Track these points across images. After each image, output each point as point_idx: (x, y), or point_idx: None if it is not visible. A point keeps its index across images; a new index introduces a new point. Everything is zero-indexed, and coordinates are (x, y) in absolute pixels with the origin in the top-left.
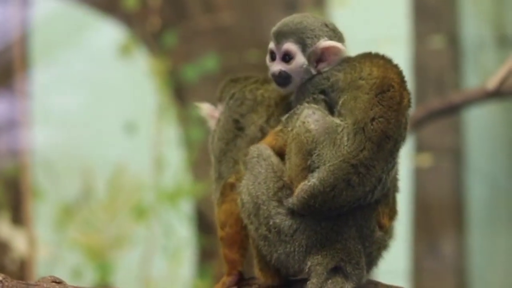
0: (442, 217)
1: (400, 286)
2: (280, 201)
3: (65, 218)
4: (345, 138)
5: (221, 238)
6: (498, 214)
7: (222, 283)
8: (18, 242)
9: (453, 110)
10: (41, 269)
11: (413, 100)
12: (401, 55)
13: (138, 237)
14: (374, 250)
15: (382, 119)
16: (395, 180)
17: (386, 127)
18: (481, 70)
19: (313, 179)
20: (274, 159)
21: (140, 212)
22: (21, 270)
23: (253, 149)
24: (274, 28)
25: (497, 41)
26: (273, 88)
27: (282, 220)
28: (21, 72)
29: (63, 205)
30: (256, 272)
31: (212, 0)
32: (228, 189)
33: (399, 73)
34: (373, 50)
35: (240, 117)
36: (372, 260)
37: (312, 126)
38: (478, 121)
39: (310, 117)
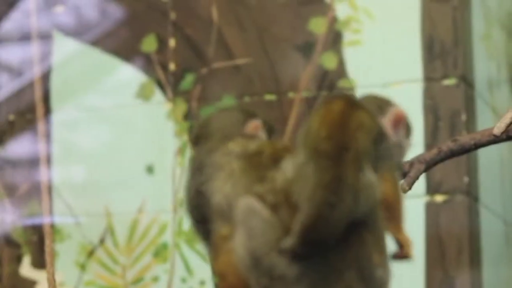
0: (456, 255)
1: None
2: (279, 251)
3: (87, 259)
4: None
5: None
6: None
7: None
8: (41, 284)
9: (464, 152)
10: None
11: (426, 139)
12: (414, 95)
13: (159, 277)
14: None
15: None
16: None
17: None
18: (494, 110)
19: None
20: (265, 213)
21: (161, 252)
22: None
23: (242, 203)
24: None
25: (508, 81)
26: (233, 149)
27: (284, 268)
28: (43, 110)
29: (83, 246)
30: None
31: (229, 44)
32: (221, 241)
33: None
34: (385, 91)
35: (202, 185)
36: None
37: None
38: (488, 158)
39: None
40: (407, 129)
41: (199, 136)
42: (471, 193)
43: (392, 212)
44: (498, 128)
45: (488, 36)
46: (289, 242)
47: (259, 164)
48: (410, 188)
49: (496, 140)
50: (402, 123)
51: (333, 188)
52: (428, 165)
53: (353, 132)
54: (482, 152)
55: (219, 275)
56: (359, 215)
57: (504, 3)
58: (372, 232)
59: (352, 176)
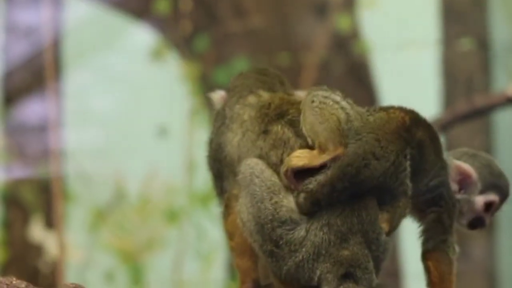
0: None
1: None
2: (282, 217)
3: (97, 222)
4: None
5: (232, 249)
6: None
7: None
8: (50, 245)
9: (478, 114)
10: (73, 273)
11: (441, 103)
12: (429, 58)
13: (170, 240)
14: (380, 254)
15: None
16: (405, 186)
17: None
18: (511, 73)
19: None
20: (267, 174)
21: (172, 215)
22: (54, 273)
23: (245, 167)
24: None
25: None
26: (250, 102)
27: (288, 231)
28: (54, 75)
29: (95, 208)
30: (273, 279)
31: (242, 4)
32: (233, 201)
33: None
34: (402, 52)
35: (220, 137)
36: (379, 264)
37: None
38: (508, 123)
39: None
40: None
41: (229, 90)
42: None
43: None
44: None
45: None
46: (300, 197)
47: (266, 116)
48: None
49: (507, 103)
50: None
51: (383, 145)
52: (443, 127)
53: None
54: (500, 116)
55: (228, 234)
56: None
57: None
58: (389, 206)
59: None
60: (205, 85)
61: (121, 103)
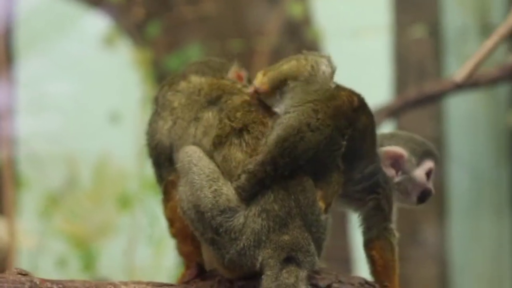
0: (423, 205)
1: (358, 276)
2: (221, 205)
3: (49, 208)
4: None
5: (173, 235)
6: (480, 201)
7: (182, 276)
8: (2, 232)
9: (428, 100)
10: (26, 259)
11: (393, 89)
12: (382, 44)
13: (122, 226)
14: (321, 234)
15: None
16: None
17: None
18: (463, 59)
19: (276, 131)
20: (205, 161)
21: (125, 201)
22: (6, 260)
23: (183, 154)
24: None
25: (479, 30)
26: (180, 88)
27: (229, 220)
28: (6, 63)
29: (47, 194)
30: (217, 265)
31: None
32: (170, 187)
33: None
34: (355, 38)
35: (154, 125)
36: (321, 244)
37: None
38: (459, 110)
39: None
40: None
41: (172, 77)
42: (439, 142)
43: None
44: (460, 76)
45: None
46: (239, 181)
47: (196, 103)
48: None
49: (461, 88)
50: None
51: (319, 117)
52: (393, 113)
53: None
54: (452, 103)
55: (168, 220)
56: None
57: None
58: (322, 183)
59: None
60: (157, 71)
61: (75, 90)
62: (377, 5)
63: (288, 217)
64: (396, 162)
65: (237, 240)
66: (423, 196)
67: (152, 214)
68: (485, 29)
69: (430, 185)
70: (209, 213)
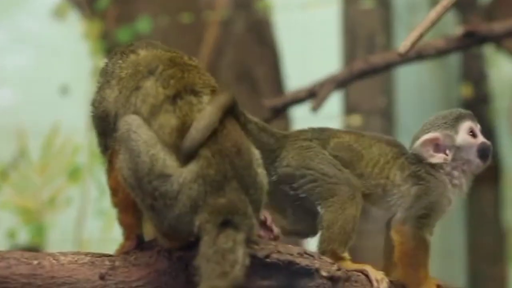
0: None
1: (298, 246)
2: (157, 171)
3: None
4: None
5: (115, 205)
6: None
7: (121, 247)
8: None
9: (374, 72)
10: None
11: (342, 61)
12: (331, 16)
13: (73, 199)
14: (259, 196)
15: None
16: None
17: None
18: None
19: None
20: (144, 129)
21: (75, 174)
22: None
23: (123, 123)
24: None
25: (429, 1)
26: (129, 60)
27: (164, 185)
28: None
29: None
30: (157, 235)
31: None
32: (114, 157)
33: None
34: (305, 10)
35: (102, 93)
36: (259, 206)
37: None
38: (410, 82)
39: None
40: None
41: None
42: (388, 114)
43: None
44: (404, 47)
45: None
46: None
47: (139, 73)
48: (317, 108)
49: (407, 60)
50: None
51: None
52: (340, 84)
53: None
54: (402, 75)
55: (111, 190)
56: None
57: None
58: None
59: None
60: (107, 44)
61: (26, 62)
62: None
63: (224, 180)
64: (436, 146)
65: (173, 206)
66: (483, 153)
67: (102, 186)
68: (434, 2)
69: (481, 139)
70: (146, 178)
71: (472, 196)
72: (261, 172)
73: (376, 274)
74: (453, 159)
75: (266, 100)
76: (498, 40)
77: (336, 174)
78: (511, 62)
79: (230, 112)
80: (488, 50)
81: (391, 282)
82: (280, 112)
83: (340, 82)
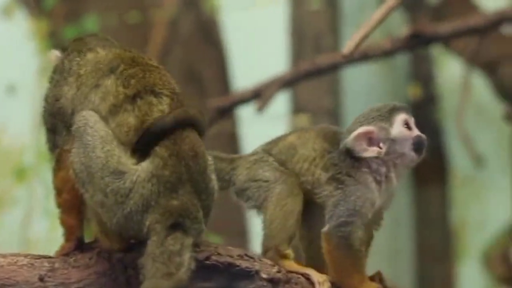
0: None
1: (239, 248)
2: (112, 167)
3: None
4: None
5: (59, 205)
6: None
7: (61, 249)
8: None
9: (320, 72)
10: None
11: (290, 61)
12: (279, 16)
13: (19, 199)
14: (210, 202)
15: None
16: None
17: None
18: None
19: None
20: (101, 125)
21: (21, 174)
22: None
23: (79, 118)
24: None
25: (377, 1)
26: (88, 58)
27: (117, 182)
28: None
29: None
30: (99, 236)
31: None
32: (63, 156)
33: None
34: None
35: (58, 89)
36: (209, 212)
37: None
38: (357, 83)
39: None
40: None
41: (68, 47)
42: (335, 115)
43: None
44: (348, 48)
45: None
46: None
47: (99, 70)
48: (263, 108)
49: (353, 61)
50: None
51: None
52: (286, 84)
53: None
54: (350, 76)
55: (57, 189)
56: None
57: None
58: None
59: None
60: (54, 42)
61: None
62: None
63: (179, 182)
64: (370, 139)
65: (124, 204)
66: (417, 146)
67: (49, 186)
68: (383, 0)
69: (416, 132)
70: (99, 173)
71: (419, 196)
72: (214, 178)
73: (318, 277)
74: (387, 153)
75: (212, 100)
76: (444, 41)
77: (276, 176)
78: (459, 62)
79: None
80: (436, 50)
81: (333, 284)
82: (226, 113)
83: (286, 83)
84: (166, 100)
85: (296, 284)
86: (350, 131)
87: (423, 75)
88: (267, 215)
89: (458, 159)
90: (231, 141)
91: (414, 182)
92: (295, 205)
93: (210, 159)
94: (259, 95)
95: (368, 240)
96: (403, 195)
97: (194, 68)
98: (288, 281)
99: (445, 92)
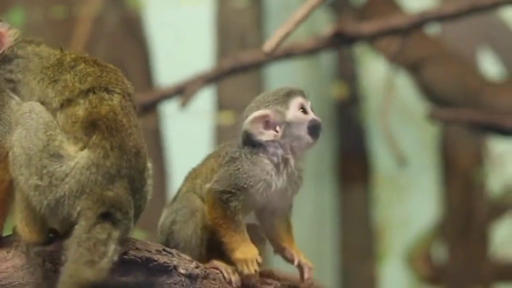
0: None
1: (157, 244)
2: (52, 149)
3: None
4: None
5: None
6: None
7: None
8: None
9: (243, 70)
10: None
11: (215, 59)
12: (204, 14)
13: None
14: (142, 204)
15: None
16: None
17: None
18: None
19: None
20: (47, 114)
21: None
22: None
23: (25, 105)
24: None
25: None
26: (45, 50)
27: (55, 165)
28: None
29: None
30: (20, 228)
31: None
32: (3, 155)
33: None
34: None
35: (14, 76)
36: (139, 213)
37: None
38: (281, 80)
39: None
40: None
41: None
42: None
43: None
44: (269, 46)
45: None
46: None
47: (61, 66)
48: (185, 104)
49: (276, 58)
50: None
51: None
52: (209, 82)
53: None
54: (274, 74)
55: None
56: None
57: None
58: None
59: None
60: None
61: None
62: None
63: (117, 175)
64: (266, 123)
65: (57, 187)
66: (313, 129)
67: None
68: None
69: (312, 116)
70: (38, 154)
71: (343, 195)
72: (150, 184)
73: (226, 268)
74: (283, 136)
75: (135, 95)
76: (367, 40)
77: (186, 203)
78: (383, 62)
79: None
80: (360, 50)
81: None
82: (150, 108)
83: (209, 79)
84: (117, 97)
85: (214, 280)
86: (246, 115)
87: (347, 74)
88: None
89: (382, 159)
90: (155, 137)
91: (337, 182)
92: (197, 225)
93: (150, 166)
94: (182, 92)
95: (287, 228)
96: (326, 194)
97: (118, 64)
98: (206, 277)
99: (369, 92)
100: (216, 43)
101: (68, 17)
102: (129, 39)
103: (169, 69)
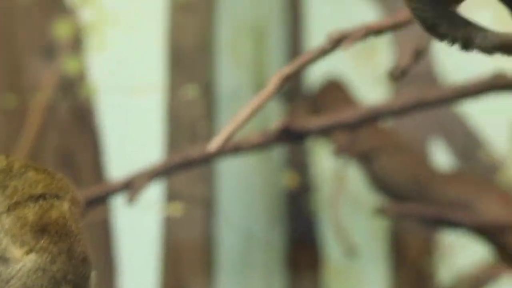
0: (192, 266)
1: None
2: None
3: None
4: None
5: None
6: (251, 262)
7: None
8: None
9: (192, 165)
10: None
11: (165, 150)
12: (154, 104)
13: None
14: None
15: None
16: None
17: None
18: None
19: None
20: None
21: None
22: None
23: None
24: None
25: (253, 88)
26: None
27: (0, 267)
28: None
29: None
30: None
31: None
32: None
33: None
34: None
35: None
36: None
37: None
38: (232, 170)
39: None
40: None
41: None
42: (210, 203)
43: None
44: (215, 144)
45: (235, 45)
46: None
47: (10, 171)
48: (133, 200)
49: (224, 153)
50: None
51: None
52: (157, 176)
53: None
54: (224, 164)
55: None
56: None
57: (252, 11)
58: None
59: None
60: None
61: None
62: (152, 64)
63: (62, 281)
64: None
65: None
66: None
67: None
68: (260, 87)
69: None
70: None
71: (293, 285)
72: None
73: None
74: None
75: (84, 190)
76: (315, 135)
77: None
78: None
79: None
80: (311, 140)
81: None
82: (98, 203)
83: (157, 174)
84: (67, 204)
85: None
86: None
87: (299, 164)
88: None
89: (333, 249)
90: (103, 230)
91: (287, 272)
92: None
93: (94, 274)
94: (130, 186)
95: None
96: (276, 284)
97: (69, 154)
98: None
99: (321, 182)
100: (167, 134)
101: (19, 106)
102: (80, 128)
103: (119, 158)
